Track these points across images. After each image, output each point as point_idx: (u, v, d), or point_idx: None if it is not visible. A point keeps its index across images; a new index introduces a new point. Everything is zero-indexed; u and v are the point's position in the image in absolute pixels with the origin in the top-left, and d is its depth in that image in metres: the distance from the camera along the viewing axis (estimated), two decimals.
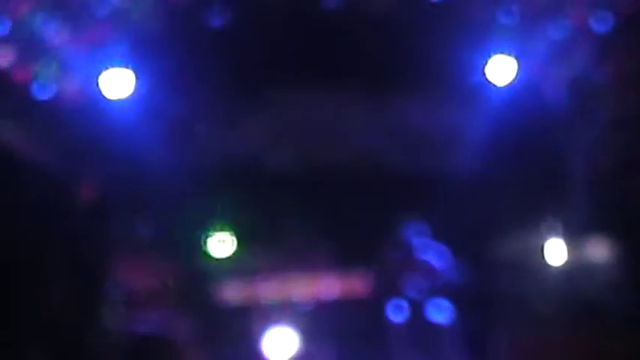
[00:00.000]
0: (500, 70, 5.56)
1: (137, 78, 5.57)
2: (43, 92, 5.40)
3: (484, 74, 5.58)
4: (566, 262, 6.05)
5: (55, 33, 5.30)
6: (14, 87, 5.29)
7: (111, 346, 5.66)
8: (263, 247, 6.36)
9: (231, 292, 5.95)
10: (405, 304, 5.89)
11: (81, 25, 5.34)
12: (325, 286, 6.02)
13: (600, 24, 5.33)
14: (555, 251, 6.08)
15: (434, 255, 6.03)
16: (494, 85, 5.63)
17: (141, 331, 5.71)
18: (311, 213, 6.33)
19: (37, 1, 5.16)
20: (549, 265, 6.09)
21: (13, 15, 5.10)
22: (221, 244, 6.58)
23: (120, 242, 5.96)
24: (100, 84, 5.46)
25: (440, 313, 5.85)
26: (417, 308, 5.89)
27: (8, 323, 5.33)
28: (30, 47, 5.25)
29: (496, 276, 6.27)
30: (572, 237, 6.02)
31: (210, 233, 6.53)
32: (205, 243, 6.44)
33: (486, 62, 5.56)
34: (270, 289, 5.98)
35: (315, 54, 5.92)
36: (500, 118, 5.93)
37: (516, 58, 5.52)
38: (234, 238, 6.61)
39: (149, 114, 5.87)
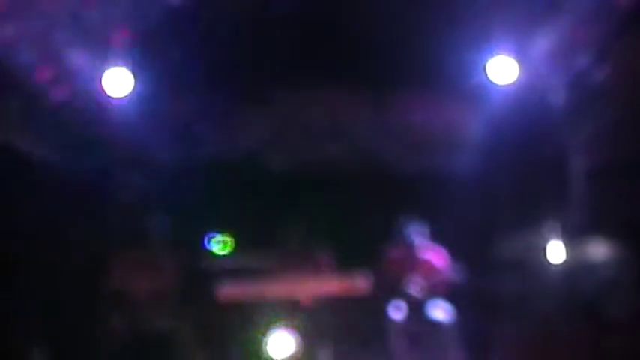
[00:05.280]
0: (501, 70, 5.58)
1: (138, 77, 5.58)
2: (46, 92, 5.42)
3: (485, 74, 5.60)
4: (567, 262, 6.07)
5: (57, 33, 5.31)
6: (18, 87, 5.31)
7: (111, 345, 5.66)
8: (263, 247, 6.36)
9: (232, 292, 5.95)
10: (405, 304, 5.89)
11: (82, 25, 5.35)
12: (325, 286, 6.02)
13: (601, 23, 5.36)
14: (556, 251, 6.10)
15: (434, 255, 6.04)
16: (495, 85, 5.66)
17: (141, 331, 5.71)
18: (311, 213, 6.35)
19: (40, 3, 5.17)
20: (550, 265, 6.12)
21: (17, 16, 5.10)
22: (221, 244, 6.59)
23: (120, 241, 5.96)
24: (103, 83, 5.47)
25: (440, 312, 5.86)
26: (417, 308, 5.90)
27: (10, 321, 5.34)
28: (33, 48, 5.26)
29: (496, 276, 6.29)
30: (573, 237, 6.05)
31: (210, 233, 6.53)
32: (206, 242, 6.45)
33: (487, 62, 5.58)
34: (270, 289, 5.98)
35: (315, 54, 5.94)
36: (501, 118, 5.96)
37: (517, 58, 5.55)
38: (234, 238, 6.62)
39: (150, 113, 5.89)
